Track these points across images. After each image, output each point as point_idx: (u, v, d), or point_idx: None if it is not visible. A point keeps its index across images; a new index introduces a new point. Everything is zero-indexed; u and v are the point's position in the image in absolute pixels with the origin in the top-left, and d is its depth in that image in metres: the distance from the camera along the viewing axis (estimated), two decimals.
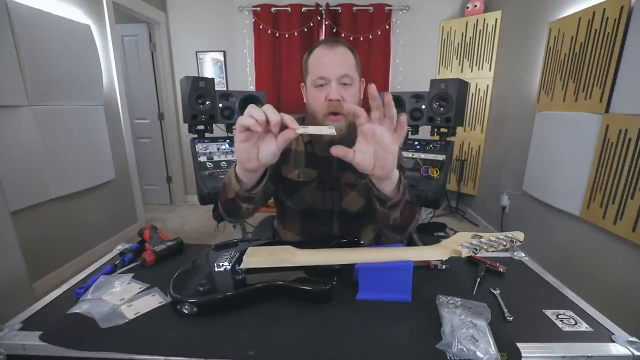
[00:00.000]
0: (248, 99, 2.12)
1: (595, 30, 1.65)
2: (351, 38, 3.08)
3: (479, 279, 0.74)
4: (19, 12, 1.74)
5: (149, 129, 3.44)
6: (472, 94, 2.99)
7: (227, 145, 2.09)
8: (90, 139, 2.25)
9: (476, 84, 2.95)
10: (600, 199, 1.62)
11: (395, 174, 0.66)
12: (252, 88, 3.28)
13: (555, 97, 1.96)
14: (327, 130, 0.58)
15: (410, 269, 0.66)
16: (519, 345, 0.54)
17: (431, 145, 2.05)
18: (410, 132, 2.21)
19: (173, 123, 3.46)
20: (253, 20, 3.13)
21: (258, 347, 0.54)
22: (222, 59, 3.32)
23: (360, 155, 0.59)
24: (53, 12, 1.96)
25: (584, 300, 0.68)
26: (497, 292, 0.70)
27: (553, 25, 1.99)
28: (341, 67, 0.81)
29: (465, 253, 0.65)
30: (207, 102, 2.00)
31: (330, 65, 0.81)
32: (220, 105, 2.07)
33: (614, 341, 0.56)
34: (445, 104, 1.97)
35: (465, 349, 0.50)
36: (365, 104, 0.90)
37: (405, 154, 2.07)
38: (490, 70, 2.84)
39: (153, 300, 0.66)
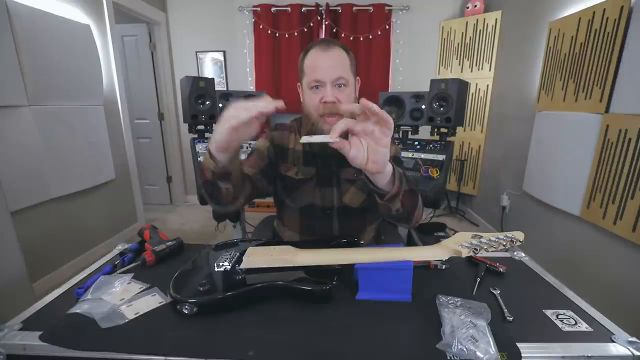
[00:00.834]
0: (248, 99, 2.11)
1: (595, 30, 1.65)
2: (351, 38, 3.08)
3: (479, 279, 0.74)
4: (19, 12, 1.74)
5: (149, 129, 3.44)
6: (472, 94, 2.99)
7: None
8: (90, 139, 2.25)
9: (476, 84, 2.95)
10: (600, 199, 1.62)
11: (389, 167, 0.66)
12: (252, 88, 3.28)
13: (555, 97, 1.96)
14: (330, 138, 0.59)
15: (410, 269, 0.66)
16: (519, 345, 0.54)
17: (431, 145, 2.05)
18: (410, 132, 2.21)
19: (173, 123, 3.46)
20: (253, 20, 3.13)
21: (258, 347, 0.54)
22: (222, 59, 3.32)
23: (355, 149, 0.60)
24: (53, 12, 1.96)
25: (584, 300, 0.68)
26: (497, 292, 0.70)
27: (553, 25, 1.99)
28: (336, 69, 0.82)
29: (465, 253, 0.65)
30: (207, 102, 2.00)
31: (325, 68, 0.81)
32: (221, 105, 2.06)
33: (614, 341, 0.56)
34: (445, 104, 1.97)
35: (465, 349, 0.50)
36: None
37: (405, 154, 2.07)
38: (490, 70, 2.84)
39: (153, 300, 0.66)
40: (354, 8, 3.05)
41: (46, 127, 1.91)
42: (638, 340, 0.56)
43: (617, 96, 1.52)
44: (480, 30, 2.86)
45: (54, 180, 1.98)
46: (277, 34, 3.12)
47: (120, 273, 0.77)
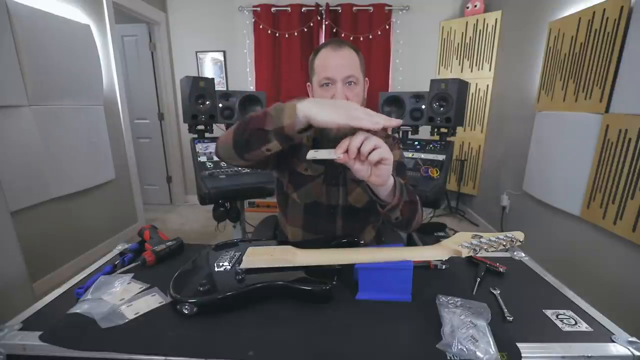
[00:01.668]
0: (248, 99, 2.12)
1: (595, 30, 1.65)
2: (351, 38, 3.08)
3: (479, 279, 0.74)
4: (19, 12, 1.74)
5: (149, 129, 3.44)
6: (472, 94, 2.99)
7: None
8: (90, 139, 2.25)
9: (476, 84, 2.95)
10: (600, 199, 1.62)
11: (391, 180, 0.68)
12: (252, 88, 3.28)
13: (555, 97, 1.96)
14: (335, 155, 0.60)
15: (410, 269, 0.66)
16: (519, 345, 0.54)
17: (431, 145, 2.05)
18: (410, 132, 2.21)
19: (173, 123, 3.46)
20: (253, 20, 3.13)
21: (258, 347, 0.54)
22: (222, 59, 3.32)
23: (359, 163, 0.62)
24: (53, 12, 1.96)
25: (584, 300, 0.68)
26: (497, 292, 0.70)
27: (553, 25, 1.99)
28: (347, 68, 0.83)
29: (465, 253, 0.65)
30: (207, 102, 2.00)
31: (336, 66, 0.83)
32: (220, 105, 2.06)
33: (614, 341, 0.56)
34: (445, 104, 1.97)
35: (465, 349, 0.50)
36: (369, 103, 0.91)
37: (405, 154, 2.07)
38: (490, 70, 2.84)
39: (153, 300, 0.66)
40: (354, 8, 3.05)
41: (46, 127, 1.91)
42: (638, 340, 0.56)
43: (617, 96, 1.52)
44: (480, 30, 2.86)
45: (54, 180, 1.98)
46: (277, 34, 3.12)
47: (120, 273, 0.77)
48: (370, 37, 3.09)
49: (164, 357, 0.53)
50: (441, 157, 1.97)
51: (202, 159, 1.97)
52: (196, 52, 3.32)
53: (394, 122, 0.60)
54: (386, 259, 0.67)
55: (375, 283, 0.67)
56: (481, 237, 0.66)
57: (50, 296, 0.70)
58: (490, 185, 2.87)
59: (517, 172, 2.39)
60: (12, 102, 1.72)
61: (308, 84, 0.94)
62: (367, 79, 0.92)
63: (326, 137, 0.90)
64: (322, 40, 3.13)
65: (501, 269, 0.79)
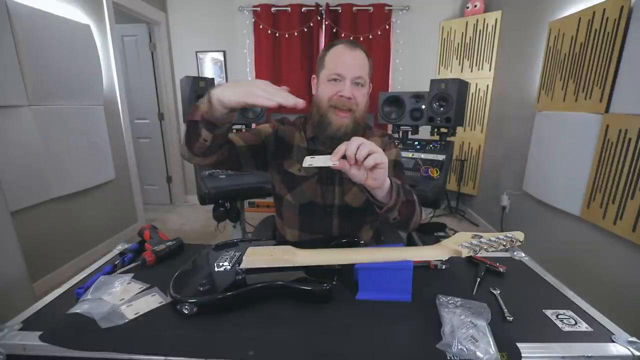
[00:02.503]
0: None
1: (595, 30, 1.65)
2: (351, 38, 3.07)
3: (479, 279, 0.74)
4: (19, 12, 1.74)
5: (149, 129, 3.44)
6: (472, 94, 2.99)
7: None
8: (90, 139, 2.25)
9: (476, 84, 2.95)
10: (600, 199, 1.62)
11: (387, 182, 0.69)
12: None
13: (555, 97, 1.96)
14: (331, 162, 0.62)
15: (410, 269, 0.66)
16: (519, 345, 0.54)
17: (431, 145, 2.05)
18: (410, 132, 2.21)
19: (173, 123, 3.46)
20: (253, 20, 3.13)
21: (258, 347, 0.54)
22: (222, 59, 3.32)
23: (355, 168, 0.63)
24: (53, 12, 1.96)
25: (584, 300, 0.68)
26: (497, 292, 0.70)
27: (553, 25, 1.99)
28: (358, 68, 0.86)
29: (465, 253, 0.65)
30: None
31: (349, 64, 0.85)
32: None
33: (614, 341, 0.56)
34: (445, 104, 1.97)
35: (465, 349, 0.50)
36: (372, 107, 0.93)
37: (405, 154, 2.07)
38: (490, 70, 2.84)
39: (153, 300, 0.66)
40: (354, 8, 3.05)
41: (46, 127, 1.91)
42: (638, 340, 0.56)
43: (617, 96, 1.52)
44: (480, 30, 2.86)
45: (54, 180, 1.98)
46: (277, 34, 3.12)
47: (120, 273, 0.77)
48: (370, 37, 3.09)
49: (164, 357, 0.53)
50: (441, 157, 1.97)
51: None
52: (196, 52, 3.32)
53: (293, 100, 0.62)
54: (386, 259, 0.67)
55: (375, 283, 0.67)
56: (481, 237, 0.65)
57: (50, 296, 0.70)
58: (490, 185, 2.87)
59: (517, 172, 2.39)
60: (12, 102, 1.72)
61: (313, 76, 0.94)
62: (371, 83, 0.94)
63: (322, 134, 0.91)
64: (322, 40, 3.13)
65: (501, 269, 0.79)
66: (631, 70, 1.45)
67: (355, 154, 0.61)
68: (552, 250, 1.99)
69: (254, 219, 2.34)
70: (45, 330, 0.57)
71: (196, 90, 1.95)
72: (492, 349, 0.50)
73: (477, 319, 0.56)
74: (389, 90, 3.17)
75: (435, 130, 2.11)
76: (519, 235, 0.66)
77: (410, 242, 1.91)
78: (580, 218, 1.76)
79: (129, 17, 2.87)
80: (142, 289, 0.70)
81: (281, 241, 1.04)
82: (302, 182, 0.95)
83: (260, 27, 3.11)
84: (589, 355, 0.53)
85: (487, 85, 2.89)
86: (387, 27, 3.10)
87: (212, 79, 2.05)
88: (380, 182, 0.66)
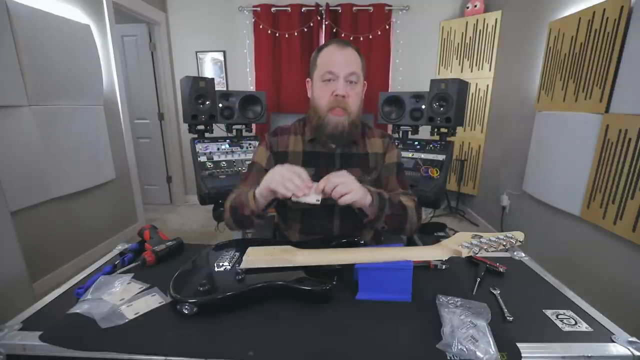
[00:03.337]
0: (248, 99, 2.12)
1: (595, 30, 1.65)
2: (351, 38, 3.08)
3: (479, 279, 0.74)
4: (19, 12, 1.74)
5: (149, 129, 3.44)
6: (472, 94, 2.99)
7: (227, 145, 2.09)
8: (90, 139, 2.25)
9: (476, 84, 2.95)
10: (600, 199, 1.62)
11: (367, 199, 0.77)
12: (252, 88, 3.28)
13: (555, 97, 1.96)
14: (316, 201, 0.74)
15: (410, 269, 0.66)
16: (519, 345, 0.54)
17: (431, 145, 2.05)
18: (410, 132, 2.21)
19: (173, 123, 3.46)
20: (253, 20, 3.13)
21: (258, 347, 0.54)
22: (222, 59, 3.32)
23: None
24: (53, 12, 1.96)
25: (584, 300, 0.68)
26: (497, 292, 0.70)
27: (553, 25, 1.99)
28: (350, 65, 0.86)
29: (465, 253, 0.65)
30: (207, 102, 2.00)
31: (340, 62, 0.85)
32: (220, 105, 2.06)
33: (614, 341, 0.56)
34: (445, 104, 1.97)
35: (465, 349, 0.50)
36: (368, 103, 0.94)
37: (405, 154, 2.07)
38: (490, 70, 2.84)
39: (153, 300, 0.66)
40: (354, 8, 3.05)
41: (46, 127, 1.90)
42: (638, 340, 0.56)
43: (617, 96, 1.52)
44: (480, 30, 2.86)
45: (54, 180, 1.98)
46: (277, 34, 3.12)
47: (120, 273, 0.77)
48: (370, 37, 3.09)
49: (164, 357, 0.53)
50: (441, 157, 1.97)
51: (202, 159, 1.97)
52: (196, 52, 3.32)
53: (311, 200, 0.74)
54: (386, 259, 0.67)
55: (375, 283, 0.67)
56: (481, 237, 0.66)
57: (50, 296, 0.70)
58: (490, 185, 2.87)
59: (517, 172, 2.39)
60: (12, 102, 1.72)
61: (307, 79, 0.94)
62: (365, 82, 0.94)
63: (322, 135, 0.92)
64: (322, 40, 3.13)
65: (501, 269, 0.79)
66: (631, 70, 1.45)
67: (330, 191, 0.73)
68: (552, 250, 1.99)
69: None
70: (45, 330, 0.57)
71: (196, 90, 1.95)
72: (492, 349, 0.50)
73: (477, 319, 0.56)
74: (389, 90, 3.17)
75: (435, 130, 2.11)
76: (519, 235, 0.66)
77: (410, 242, 1.90)
78: (580, 218, 1.76)
79: (129, 17, 2.87)
80: (142, 289, 0.70)
81: (281, 241, 1.04)
82: None
83: (260, 27, 3.11)
84: (589, 355, 0.53)
85: (487, 85, 2.89)
86: (387, 27, 3.10)
87: (212, 79, 2.05)
88: (359, 202, 0.76)
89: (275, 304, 0.65)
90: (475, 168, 3.07)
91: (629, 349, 0.54)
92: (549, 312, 0.64)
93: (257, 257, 0.73)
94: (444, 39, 3.13)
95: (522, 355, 0.52)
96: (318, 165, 0.95)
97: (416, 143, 2.11)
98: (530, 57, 2.29)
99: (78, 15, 2.19)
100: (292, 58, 3.14)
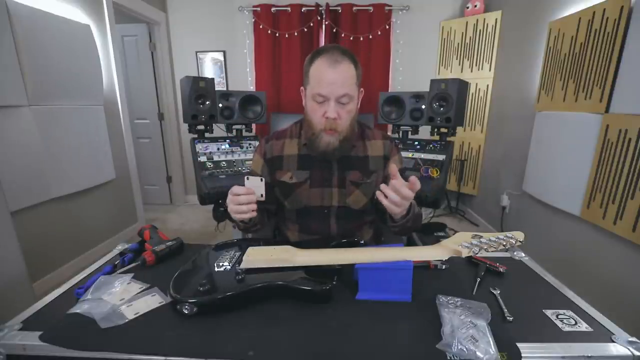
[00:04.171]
0: (248, 99, 2.12)
1: (595, 30, 1.65)
2: (351, 38, 3.08)
3: (479, 279, 0.74)
4: (19, 12, 1.73)
5: (149, 129, 3.44)
6: (472, 94, 2.99)
7: (227, 145, 2.09)
8: (90, 139, 2.25)
9: (476, 84, 2.95)
10: (600, 199, 1.62)
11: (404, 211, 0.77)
12: (252, 88, 3.28)
13: (555, 97, 1.96)
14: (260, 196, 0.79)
15: (410, 269, 0.66)
16: (519, 345, 0.54)
17: (431, 145, 2.05)
18: (410, 132, 2.21)
19: (173, 123, 3.46)
20: (253, 20, 3.13)
21: (258, 347, 0.54)
22: (222, 59, 3.32)
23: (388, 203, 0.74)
24: (53, 12, 1.96)
25: (584, 300, 0.68)
26: (497, 292, 0.70)
27: (553, 25, 1.99)
28: (341, 87, 0.82)
29: (465, 253, 0.65)
30: (207, 102, 2.00)
31: (331, 85, 0.82)
32: (220, 105, 2.07)
33: (614, 341, 0.56)
34: (445, 104, 1.97)
35: (465, 349, 0.50)
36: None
37: (405, 154, 2.07)
38: (490, 70, 2.84)
39: (153, 300, 0.66)
40: (354, 8, 3.05)
41: (46, 127, 1.90)
42: (638, 340, 0.56)
43: (617, 96, 1.52)
44: (480, 30, 2.86)
45: (54, 180, 1.98)
46: (277, 34, 3.12)
47: (120, 273, 0.77)
48: (370, 37, 3.09)
49: (164, 357, 0.53)
50: (441, 157, 1.97)
51: (202, 159, 1.97)
52: (196, 52, 3.32)
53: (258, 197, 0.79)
54: (386, 259, 0.67)
55: (375, 283, 0.67)
56: (481, 237, 0.66)
57: (50, 296, 0.70)
58: (490, 185, 2.87)
59: (517, 172, 2.39)
60: (12, 102, 1.72)
61: (302, 88, 0.92)
62: (362, 89, 0.92)
63: (314, 150, 0.92)
64: (322, 40, 3.13)
65: (501, 269, 0.79)
66: (631, 70, 1.45)
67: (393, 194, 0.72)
68: (552, 250, 1.99)
69: None
70: (45, 330, 0.58)
71: (196, 90, 1.95)
72: (492, 349, 0.50)
73: (477, 319, 0.56)
74: (389, 90, 3.17)
75: (435, 130, 2.11)
76: (519, 235, 0.66)
77: (410, 242, 1.90)
78: (580, 218, 1.76)
79: (129, 17, 2.87)
80: (142, 289, 0.70)
81: (281, 241, 1.04)
82: (295, 189, 0.97)
83: (260, 27, 3.10)
84: (589, 355, 0.53)
85: (487, 85, 2.88)
86: (387, 27, 3.10)
87: (212, 79, 2.05)
88: (403, 211, 0.76)
89: (275, 304, 0.65)
90: (475, 168, 3.07)
91: (629, 349, 0.54)
92: (549, 312, 0.64)
93: (257, 257, 0.73)
94: (444, 39, 3.13)
95: (522, 355, 0.52)
96: (313, 167, 0.96)
97: (416, 143, 2.11)
98: (530, 57, 2.29)
99: (78, 15, 2.19)
100: (292, 58, 3.14)
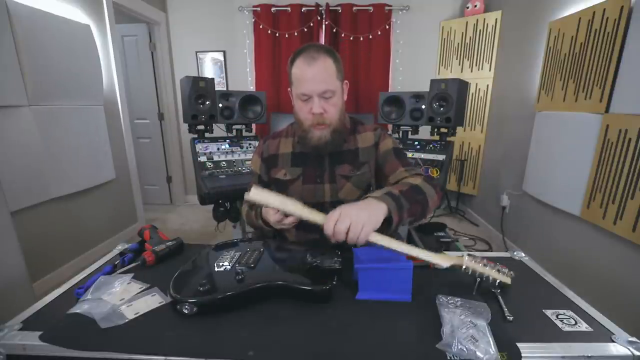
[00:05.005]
0: (248, 99, 2.12)
1: (595, 30, 1.65)
2: (351, 38, 3.08)
3: (479, 279, 0.74)
4: (19, 12, 1.73)
5: (149, 129, 3.44)
6: (472, 94, 2.99)
7: (227, 145, 2.09)
8: (90, 139, 2.25)
9: (476, 84, 2.95)
10: (600, 199, 1.62)
11: (383, 212, 0.70)
12: (252, 88, 3.28)
13: (555, 97, 1.96)
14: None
15: (410, 269, 0.66)
16: (519, 345, 0.54)
17: (431, 145, 2.05)
18: (410, 132, 2.21)
19: (173, 123, 3.46)
20: (253, 20, 3.13)
21: (258, 347, 0.54)
22: (222, 59, 3.32)
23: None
24: (53, 12, 1.96)
25: (584, 300, 0.68)
26: (497, 292, 0.70)
27: (553, 25, 1.99)
28: (321, 83, 0.85)
29: (464, 263, 0.66)
30: (207, 102, 2.01)
31: (311, 82, 0.85)
32: (220, 105, 2.07)
33: (614, 341, 0.56)
34: (445, 104, 1.97)
35: (465, 349, 0.50)
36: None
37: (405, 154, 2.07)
38: (490, 70, 2.84)
39: (153, 300, 0.66)
40: (354, 8, 3.05)
41: (46, 127, 1.90)
42: (638, 340, 0.56)
43: (617, 96, 1.52)
44: (480, 30, 2.86)
45: (54, 180, 1.98)
46: (277, 34, 3.12)
47: (120, 273, 0.77)
48: (370, 37, 3.09)
49: (164, 357, 0.53)
50: (441, 157, 1.97)
51: (202, 159, 1.97)
52: (196, 52, 3.32)
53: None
54: (398, 249, 0.66)
55: (375, 283, 0.67)
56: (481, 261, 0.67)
57: (50, 296, 0.70)
58: (490, 185, 2.87)
59: (517, 172, 2.38)
60: (12, 102, 1.72)
61: (289, 89, 0.95)
62: (346, 81, 0.95)
63: (306, 146, 0.94)
64: (322, 40, 3.13)
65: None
66: (631, 70, 1.45)
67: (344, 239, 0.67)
68: (552, 250, 1.99)
69: None
70: (45, 330, 0.58)
71: (196, 90, 1.95)
72: (492, 349, 0.50)
73: (477, 319, 0.56)
74: (389, 90, 3.17)
75: (435, 130, 2.11)
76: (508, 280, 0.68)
77: (410, 242, 1.90)
78: (580, 218, 1.75)
79: (129, 17, 2.87)
80: (142, 289, 0.70)
81: (281, 241, 1.04)
82: (288, 186, 0.99)
83: (260, 27, 3.10)
84: (589, 355, 0.53)
85: (487, 85, 2.88)
86: (387, 27, 3.10)
87: (212, 79, 2.05)
88: (371, 237, 0.67)
89: (275, 304, 0.65)
90: (475, 168, 3.07)
91: (629, 349, 0.54)
92: (549, 312, 0.64)
93: (267, 194, 0.74)
94: (444, 39, 3.13)
95: (522, 355, 0.52)
96: (307, 164, 0.98)
97: (416, 143, 2.11)
98: (530, 57, 2.29)
99: (78, 15, 2.19)
100: None
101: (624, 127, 1.48)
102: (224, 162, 2.02)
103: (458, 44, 3.03)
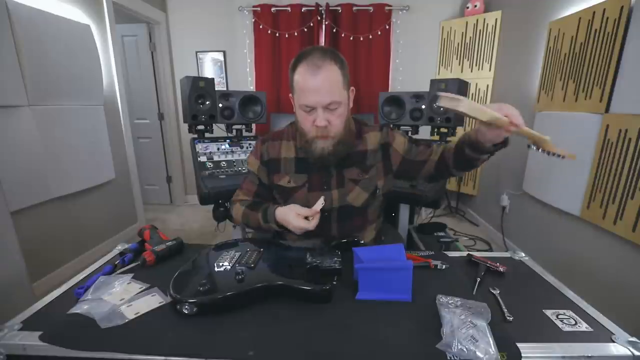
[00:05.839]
0: (248, 99, 2.12)
1: (595, 30, 1.65)
2: (351, 38, 3.08)
3: (479, 279, 0.74)
4: (19, 12, 1.73)
5: (149, 129, 3.44)
6: (472, 94, 2.99)
7: (227, 145, 2.08)
8: (90, 139, 2.25)
9: (476, 84, 2.95)
10: (600, 199, 1.62)
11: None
12: (252, 88, 3.28)
13: (555, 97, 1.96)
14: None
15: (410, 269, 0.66)
16: (519, 345, 0.54)
17: None
18: (410, 132, 2.21)
19: (173, 123, 3.46)
20: (253, 20, 3.12)
21: (258, 347, 0.54)
22: (222, 59, 3.32)
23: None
24: (53, 12, 1.96)
25: (584, 300, 0.68)
26: (497, 292, 0.70)
27: (553, 25, 1.99)
28: (326, 95, 0.80)
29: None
30: (207, 102, 2.00)
31: (315, 94, 0.79)
32: (220, 105, 2.06)
33: (614, 341, 0.56)
34: None
35: (465, 349, 0.50)
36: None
37: None
38: (490, 70, 2.84)
39: (153, 300, 0.66)
40: (354, 8, 3.05)
41: (46, 127, 1.90)
42: (638, 340, 0.56)
43: (617, 96, 1.52)
44: (480, 30, 2.86)
45: (54, 180, 1.97)
46: (277, 34, 3.12)
47: (120, 273, 0.77)
48: (370, 37, 3.09)
49: (164, 357, 0.53)
50: None
51: (202, 159, 1.97)
52: (196, 52, 3.32)
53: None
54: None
55: (375, 283, 0.67)
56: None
57: (50, 296, 0.70)
58: (490, 185, 2.86)
59: (517, 172, 2.38)
60: (12, 102, 1.72)
61: (291, 95, 0.91)
62: (352, 88, 0.90)
63: (309, 155, 0.91)
64: (322, 40, 3.12)
65: (501, 269, 0.79)
66: (631, 70, 1.45)
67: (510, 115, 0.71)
68: (552, 250, 1.99)
69: None
70: (45, 330, 0.58)
71: (196, 90, 1.95)
72: (492, 349, 0.50)
73: (477, 319, 0.56)
74: (389, 90, 3.17)
75: (435, 130, 2.11)
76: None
77: (410, 242, 1.91)
78: (580, 218, 1.75)
79: (129, 17, 2.87)
80: (142, 289, 0.70)
81: (280, 241, 1.04)
82: (293, 193, 0.96)
83: (260, 27, 3.10)
84: (589, 355, 0.53)
85: (487, 85, 2.88)
86: (387, 27, 3.10)
87: (212, 79, 2.05)
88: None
89: (275, 304, 0.65)
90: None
91: (629, 349, 0.54)
92: (549, 312, 0.64)
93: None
94: (444, 39, 3.13)
95: (522, 355, 0.52)
96: (312, 171, 0.95)
97: None
98: (530, 57, 2.29)
99: (78, 15, 2.19)
100: (292, 58, 3.11)
101: (624, 127, 1.48)
102: (224, 162, 2.01)
103: (458, 44, 3.03)
